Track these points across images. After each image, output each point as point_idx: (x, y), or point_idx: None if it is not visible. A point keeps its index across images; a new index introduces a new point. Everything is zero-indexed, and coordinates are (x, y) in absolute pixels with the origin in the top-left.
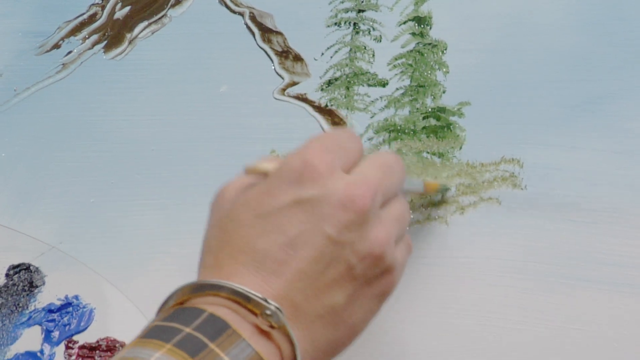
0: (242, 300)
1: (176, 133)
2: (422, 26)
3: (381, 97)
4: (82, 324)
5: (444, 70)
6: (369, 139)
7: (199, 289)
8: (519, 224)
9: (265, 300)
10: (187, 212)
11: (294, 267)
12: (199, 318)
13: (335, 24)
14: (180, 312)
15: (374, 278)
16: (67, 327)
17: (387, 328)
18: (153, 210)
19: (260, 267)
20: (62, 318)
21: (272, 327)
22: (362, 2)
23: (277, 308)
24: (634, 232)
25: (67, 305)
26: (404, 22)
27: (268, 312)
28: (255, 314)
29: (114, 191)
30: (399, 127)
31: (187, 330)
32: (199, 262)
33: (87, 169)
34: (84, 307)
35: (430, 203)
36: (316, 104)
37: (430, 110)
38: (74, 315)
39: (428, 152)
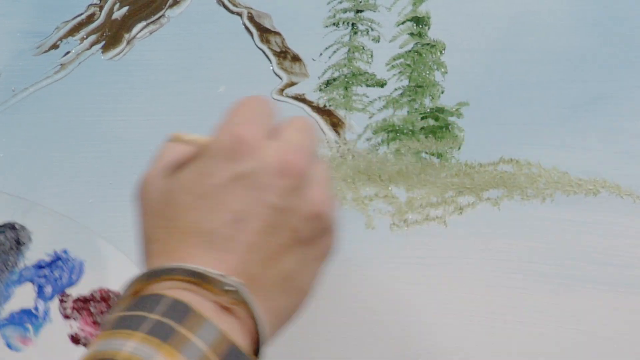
0: (199, 280)
1: None
2: (420, 26)
3: (379, 98)
4: (73, 277)
5: (443, 70)
6: (368, 140)
7: (154, 275)
8: (517, 224)
9: (223, 276)
10: None
11: (245, 241)
12: (162, 304)
13: (334, 24)
14: (141, 300)
15: (317, 238)
16: (58, 282)
17: (387, 328)
18: None
19: (211, 247)
20: (53, 273)
21: (234, 303)
22: (361, 2)
23: (238, 282)
24: (634, 232)
25: (56, 260)
26: (402, 23)
27: (228, 287)
28: (215, 292)
29: (112, 192)
30: (397, 128)
31: (154, 316)
32: (142, 254)
33: (85, 169)
34: (73, 260)
35: (428, 203)
36: (315, 104)
37: (428, 110)
38: (65, 269)
39: (427, 153)
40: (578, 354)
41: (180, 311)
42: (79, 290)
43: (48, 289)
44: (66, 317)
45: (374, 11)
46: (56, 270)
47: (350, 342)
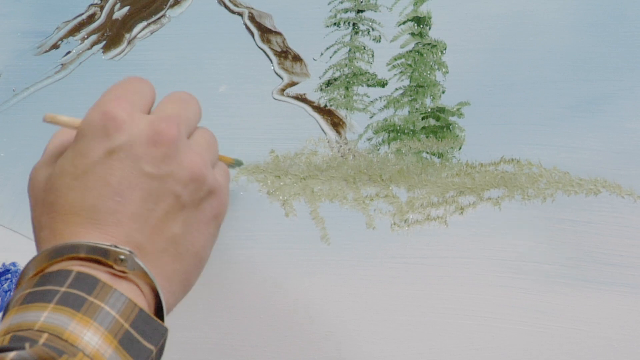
0: (95, 254)
1: None
2: (421, 26)
3: (380, 98)
4: None
5: (443, 70)
6: (368, 139)
7: (54, 255)
8: (518, 224)
9: (116, 247)
10: None
11: (127, 212)
12: (69, 277)
13: (335, 24)
14: (47, 276)
15: (202, 201)
16: (8, 293)
17: (388, 327)
18: None
19: (96, 222)
20: (3, 284)
21: (129, 271)
22: (362, 2)
23: (129, 251)
24: (634, 232)
25: (5, 272)
26: (403, 22)
27: (122, 257)
28: (110, 263)
29: None
30: (398, 128)
31: (63, 289)
32: (35, 243)
33: None
34: None
35: (429, 203)
36: (315, 104)
37: (429, 110)
38: (14, 281)
39: (427, 153)
40: (578, 354)
41: (89, 283)
42: None
43: None
44: None
45: (375, 11)
46: (5, 282)
47: (351, 342)
